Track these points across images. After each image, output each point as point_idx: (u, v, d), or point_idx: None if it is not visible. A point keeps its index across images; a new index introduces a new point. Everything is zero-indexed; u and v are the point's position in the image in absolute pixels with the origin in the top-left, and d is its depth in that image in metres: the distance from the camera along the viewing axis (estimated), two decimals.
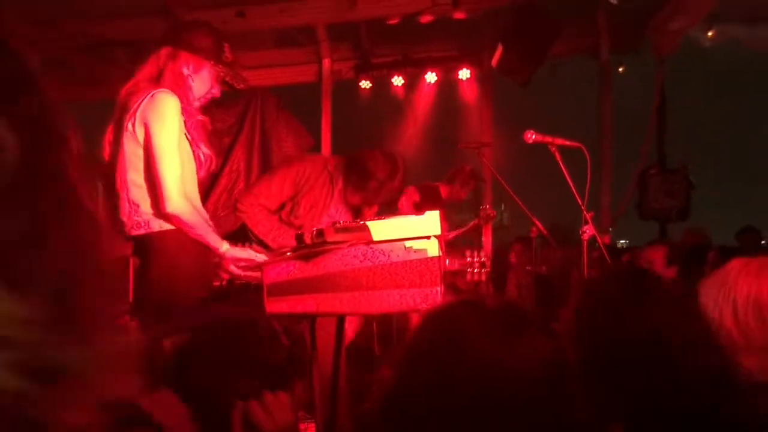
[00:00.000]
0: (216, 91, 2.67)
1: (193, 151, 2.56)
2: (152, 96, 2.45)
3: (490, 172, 5.36)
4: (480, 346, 0.98)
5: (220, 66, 2.61)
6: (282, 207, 3.40)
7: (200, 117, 2.62)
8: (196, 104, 2.62)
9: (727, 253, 5.09)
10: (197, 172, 2.57)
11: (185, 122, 2.52)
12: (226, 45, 2.64)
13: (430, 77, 6.95)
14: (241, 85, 2.69)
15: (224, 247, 2.54)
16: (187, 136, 2.52)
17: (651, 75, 6.35)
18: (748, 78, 6.96)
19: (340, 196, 3.47)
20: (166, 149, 2.41)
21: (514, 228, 7.43)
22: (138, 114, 2.45)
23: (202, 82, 2.59)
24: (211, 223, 2.55)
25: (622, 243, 7.41)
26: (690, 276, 4.06)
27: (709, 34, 6.17)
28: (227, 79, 2.67)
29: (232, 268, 2.57)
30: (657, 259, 3.81)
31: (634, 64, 6.76)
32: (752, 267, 1.49)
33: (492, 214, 4.64)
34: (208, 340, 1.52)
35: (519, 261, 5.86)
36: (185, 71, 2.55)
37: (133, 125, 2.46)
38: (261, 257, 2.58)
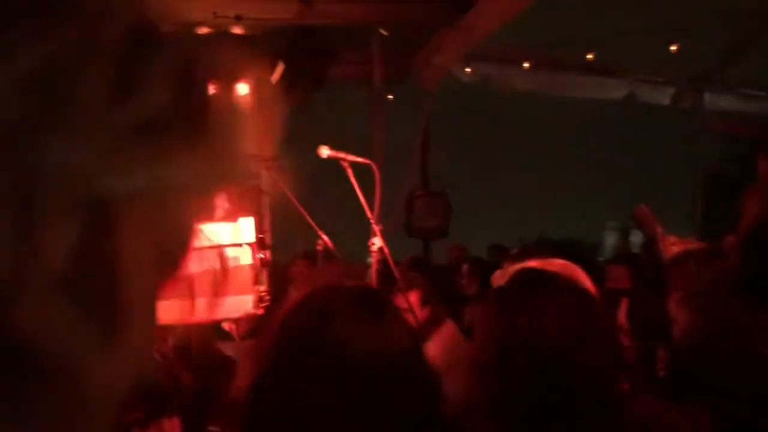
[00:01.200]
0: None
1: None
2: None
3: (273, 187, 5.36)
4: (350, 328, 1.00)
5: None
6: None
7: None
8: None
9: (478, 266, 5.70)
10: None
11: None
12: None
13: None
14: None
15: None
16: None
17: (420, 105, 6.88)
18: (497, 113, 7.88)
19: None
20: None
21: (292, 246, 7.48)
22: None
23: None
24: None
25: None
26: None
27: (467, 70, 6.87)
28: None
29: None
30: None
31: (404, 93, 7.27)
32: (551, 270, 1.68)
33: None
34: None
35: (301, 276, 5.90)
36: None
37: None
38: None
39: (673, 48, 6.03)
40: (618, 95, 7.25)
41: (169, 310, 1.81)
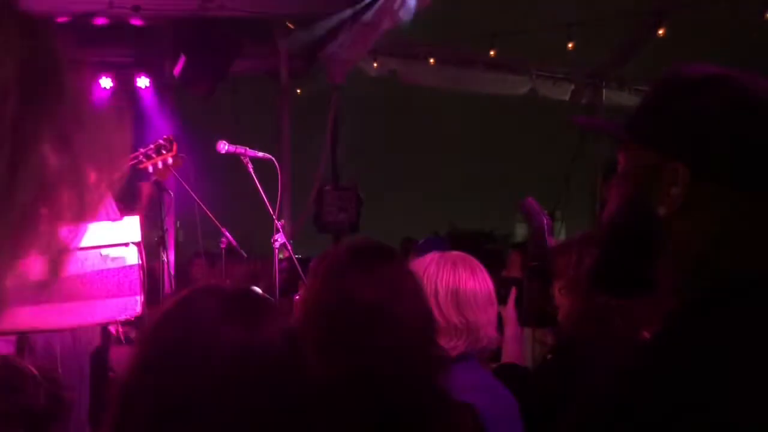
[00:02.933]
0: None
1: None
2: None
3: (176, 184, 5.21)
4: (224, 330, 0.99)
5: None
6: None
7: None
8: None
9: None
10: None
11: None
12: None
13: (105, 82, 6.51)
14: None
15: None
16: None
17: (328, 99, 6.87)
18: (403, 106, 7.96)
19: None
20: None
21: (194, 244, 7.31)
22: None
23: None
24: None
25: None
26: None
27: (374, 65, 6.90)
28: None
29: None
30: None
31: (312, 87, 7.23)
32: (448, 260, 1.71)
33: None
34: None
35: (200, 276, 5.78)
36: None
37: None
38: None
39: (570, 45, 6.26)
40: (521, 91, 7.47)
41: (46, 315, 1.72)
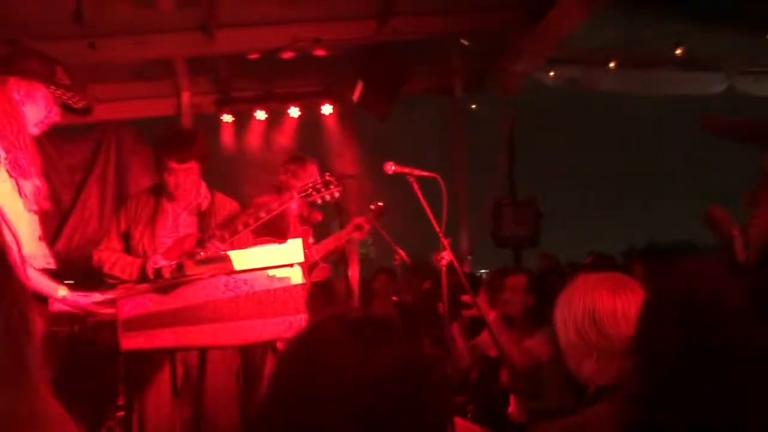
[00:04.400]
0: (55, 115, 2.54)
1: (18, 188, 2.38)
2: None
3: (355, 204, 5.46)
4: (343, 356, 1.02)
5: (53, 87, 2.52)
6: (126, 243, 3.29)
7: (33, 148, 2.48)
8: (35, 131, 2.50)
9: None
10: (29, 208, 2.41)
11: (9, 157, 2.36)
12: (59, 67, 2.55)
13: (293, 112, 7.01)
14: (80, 105, 2.59)
15: (61, 292, 2.37)
16: (10, 173, 2.35)
17: (502, 112, 6.80)
18: (586, 114, 7.64)
19: (173, 206, 3.35)
20: None
21: (380, 261, 7.58)
22: None
23: (37, 107, 2.48)
24: (51, 260, 2.39)
25: (481, 272, 7.79)
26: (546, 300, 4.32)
27: (551, 74, 6.73)
28: (65, 99, 2.55)
29: (86, 303, 2.43)
30: (519, 285, 4.03)
31: (486, 101, 7.21)
32: (589, 282, 1.64)
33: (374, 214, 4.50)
34: None
35: (383, 291, 5.97)
36: (16, 97, 2.43)
37: None
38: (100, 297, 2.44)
39: None
40: (716, 89, 6.86)
41: (220, 333, 1.90)
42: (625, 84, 6.87)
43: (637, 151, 9.70)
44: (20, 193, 2.37)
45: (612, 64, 6.60)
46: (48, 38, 5.20)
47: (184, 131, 3.47)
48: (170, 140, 3.29)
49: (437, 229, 3.49)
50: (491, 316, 3.65)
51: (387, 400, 1.00)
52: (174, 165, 3.16)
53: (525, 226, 6.91)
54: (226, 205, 3.41)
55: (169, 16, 5.69)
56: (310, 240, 4.14)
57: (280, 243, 2.28)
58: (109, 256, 3.18)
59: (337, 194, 3.39)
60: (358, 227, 4.33)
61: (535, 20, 5.97)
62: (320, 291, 4.68)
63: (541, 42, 6.17)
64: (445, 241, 3.51)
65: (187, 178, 3.20)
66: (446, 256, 3.50)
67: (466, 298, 3.69)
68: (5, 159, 2.33)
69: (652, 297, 1.22)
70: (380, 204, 4.63)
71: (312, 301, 4.08)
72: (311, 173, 4.33)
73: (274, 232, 3.88)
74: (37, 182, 2.43)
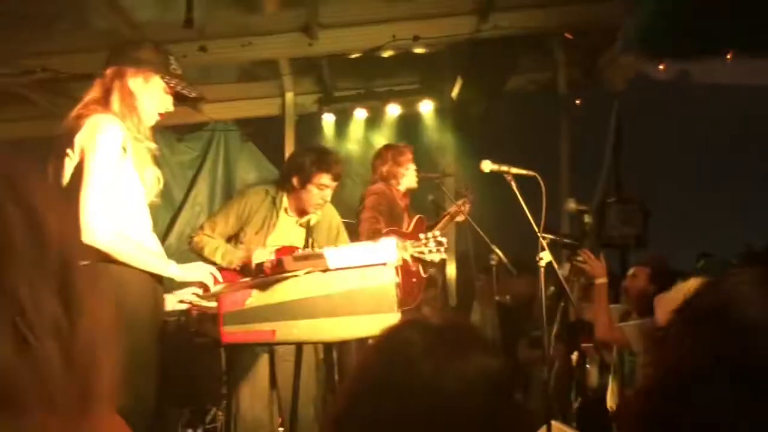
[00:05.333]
0: (169, 104, 2.60)
1: (141, 175, 2.47)
2: (89, 120, 2.37)
3: (450, 202, 5.43)
4: (423, 364, 1.01)
5: (169, 77, 2.56)
6: (228, 240, 3.40)
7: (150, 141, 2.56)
8: (151, 121, 2.58)
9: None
10: (147, 196, 2.50)
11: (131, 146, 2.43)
12: (171, 57, 2.63)
13: (393, 110, 7.05)
14: (194, 94, 2.67)
15: (171, 267, 2.45)
16: (133, 160, 2.44)
17: (607, 107, 6.53)
18: (696, 108, 7.22)
19: (287, 213, 3.44)
20: (91, 175, 2.30)
21: (478, 258, 7.50)
22: (76, 139, 2.37)
23: (153, 96, 2.53)
24: (160, 248, 2.50)
25: None
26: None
27: (660, 67, 6.39)
28: (180, 89, 2.60)
29: (189, 297, 2.54)
30: (640, 275, 3.97)
31: (590, 97, 6.96)
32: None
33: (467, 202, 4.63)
34: None
35: (485, 290, 5.90)
36: (134, 87, 2.49)
37: (72, 151, 2.37)
38: (209, 274, 2.53)
39: None
40: None
41: (320, 328, 1.95)
42: (742, 76, 6.42)
43: (755, 148, 9.07)
44: (143, 180, 2.46)
45: (728, 55, 6.18)
46: (161, 43, 5.49)
47: (329, 149, 3.63)
48: (328, 157, 3.40)
49: (535, 229, 3.42)
50: (600, 279, 3.69)
51: (463, 411, 0.98)
52: (328, 181, 3.28)
53: (632, 225, 6.62)
54: (330, 218, 3.48)
55: (273, 18, 5.89)
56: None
57: (373, 241, 2.29)
58: (210, 241, 3.30)
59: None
60: (461, 207, 4.46)
61: None
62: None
63: None
64: (544, 242, 3.44)
65: (328, 194, 3.33)
66: (545, 257, 3.43)
67: (585, 252, 3.76)
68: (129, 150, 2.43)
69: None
70: (467, 187, 4.67)
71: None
72: (408, 158, 4.43)
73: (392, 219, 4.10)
74: (157, 171, 2.53)
